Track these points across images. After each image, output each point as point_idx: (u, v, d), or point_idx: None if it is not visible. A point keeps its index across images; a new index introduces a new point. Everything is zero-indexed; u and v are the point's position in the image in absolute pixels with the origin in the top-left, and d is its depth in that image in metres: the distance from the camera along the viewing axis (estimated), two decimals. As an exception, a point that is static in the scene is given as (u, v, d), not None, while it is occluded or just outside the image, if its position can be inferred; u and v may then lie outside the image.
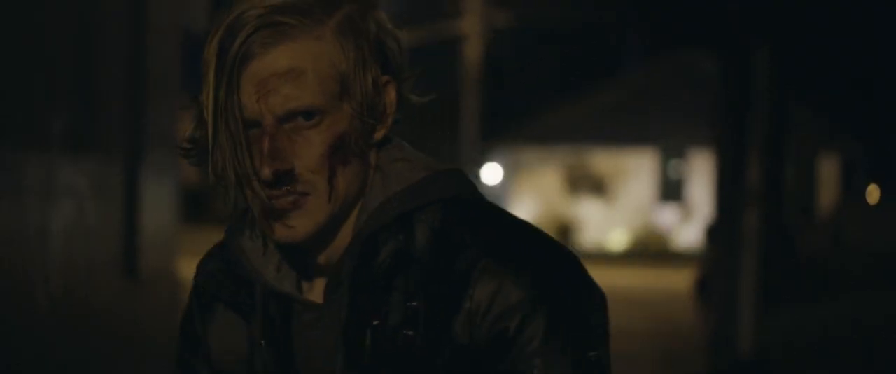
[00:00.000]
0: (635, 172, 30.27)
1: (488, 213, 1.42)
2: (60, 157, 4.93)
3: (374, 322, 1.36)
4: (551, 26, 34.57)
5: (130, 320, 6.45)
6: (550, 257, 1.40)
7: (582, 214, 29.54)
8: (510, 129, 31.35)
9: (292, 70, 1.33)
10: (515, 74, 35.80)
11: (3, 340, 4.27)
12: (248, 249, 1.42)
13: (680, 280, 18.53)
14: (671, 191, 30.36)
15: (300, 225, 1.35)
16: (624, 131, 30.01)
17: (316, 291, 1.42)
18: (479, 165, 30.08)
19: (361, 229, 1.38)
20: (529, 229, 1.42)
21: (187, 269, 7.67)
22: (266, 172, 1.32)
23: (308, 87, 1.33)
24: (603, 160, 30.35)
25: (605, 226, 28.46)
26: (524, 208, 27.72)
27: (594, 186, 30.32)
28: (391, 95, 1.39)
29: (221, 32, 1.33)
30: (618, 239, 28.76)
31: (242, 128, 1.33)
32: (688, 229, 28.31)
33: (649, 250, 27.71)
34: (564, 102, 32.05)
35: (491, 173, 32.20)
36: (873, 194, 32.75)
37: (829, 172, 30.59)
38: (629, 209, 29.60)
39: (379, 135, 1.40)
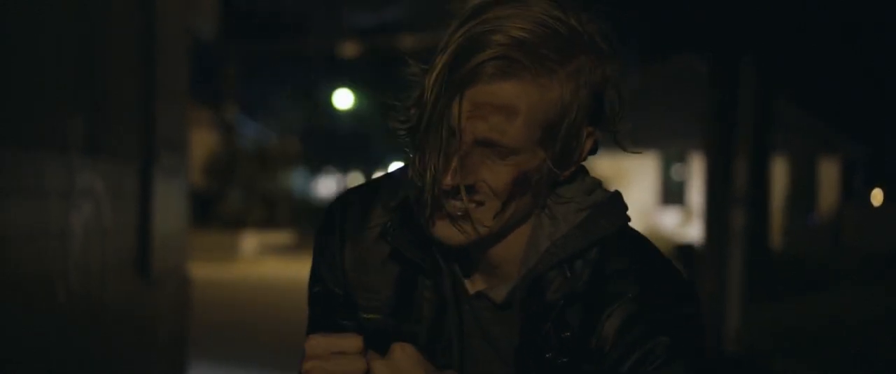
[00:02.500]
0: (637, 175, 30.32)
1: (635, 245, 1.53)
2: (79, 160, 5.02)
3: (546, 355, 1.48)
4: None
5: (142, 317, 6.54)
6: (681, 298, 1.50)
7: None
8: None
9: (507, 107, 1.40)
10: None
11: (24, 332, 4.36)
12: None
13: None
14: (673, 194, 30.43)
15: (455, 234, 1.46)
16: (625, 135, 30.07)
17: (469, 283, 1.55)
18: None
19: (532, 269, 1.48)
20: (670, 266, 1.53)
21: (196, 270, 7.82)
22: (448, 180, 1.42)
23: (514, 127, 1.40)
24: (605, 164, 30.39)
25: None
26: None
27: (596, 189, 30.39)
28: (589, 145, 1.49)
29: (464, 41, 1.41)
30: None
31: (449, 135, 1.42)
32: (689, 230, 28.38)
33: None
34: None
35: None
36: (877, 196, 32.76)
37: (828, 174, 30.61)
38: (631, 212, 29.67)
39: (563, 178, 1.49)
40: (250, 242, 27.48)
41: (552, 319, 1.49)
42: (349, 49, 30.03)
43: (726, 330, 9.99)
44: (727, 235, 9.96)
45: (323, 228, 1.64)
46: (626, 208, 1.57)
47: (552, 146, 1.44)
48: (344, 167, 43.07)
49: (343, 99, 31.92)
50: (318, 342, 1.42)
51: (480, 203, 1.45)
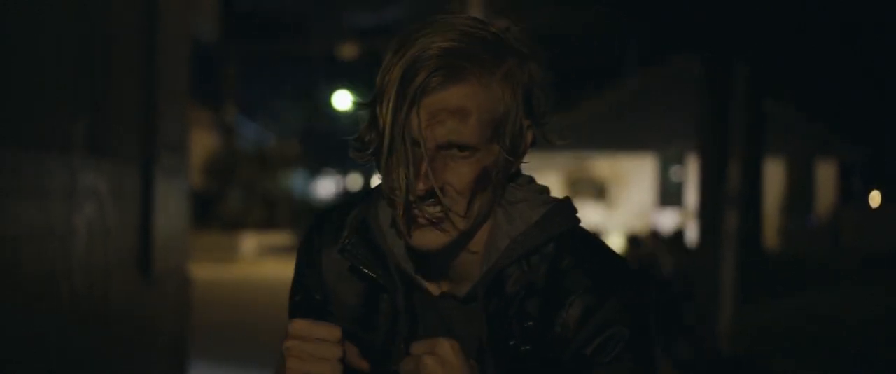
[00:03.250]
0: (635, 177, 30.37)
1: (588, 243, 1.68)
2: (82, 160, 5.06)
3: (510, 342, 1.62)
4: (550, 33, 34.60)
5: (144, 316, 6.59)
6: (635, 290, 1.65)
7: (583, 218, 29.60)
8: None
9: (461, 109, 1.56)
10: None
11: (27, 331, 4.39)
12: (385, 229, 1.68)
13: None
14: (671, 195, 30.47)
15: (436, 237, 1.59)
16: (623, 137, 30.11)
17: (434, 287, 1.69)
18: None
19: (493, 266, 1.63)
20: (618, 258, 1.68)
21: (196, 270, 7.85)
22: (420, 186, 1.56)
23: (469, 126, 1.56)
24: (603, 165, 30.45)
25: (606, 230, 28.61)
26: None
27: (595, 191, 30.38)
28: (529, 138, 1.65)
29: (405, 64, 1.56)
30: (617, 242, 28.85)
31: (413, 146, 1.57)
32: (687, 232, 28.39)
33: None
34: (564, 110, 32.07)
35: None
36: (875, 198, 32.82)
37: (826, 176, 30.66)
38: (630, 214, 29.73)
39: (514, 169, 1.67)
40: (250, 242, 27.52)
41: (514, 309, 1.62)
42: (349, 50, 30.09)
43: (720, 330, 10.06)
44: (721, 235, 10.04)
45: (306, 237, 1.79)
46: (576, 210, 1.72)
47: (503, 141, 1.61)
48: (343, 169, 43.12)
49: (343, 100, 31.98)
50: (302, 326, 1.57)
51: (449, 207, 1.59)
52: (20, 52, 4.29)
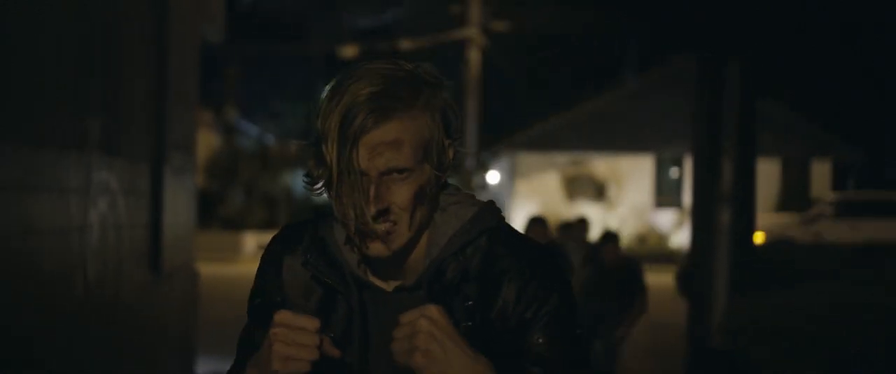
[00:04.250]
0: (633, 177, 30.44)
1: (513, 234, 2.01)
2: (97, 159, 5.18)
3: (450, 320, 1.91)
4: (550, 33, 34.65)
5: (154, 310, 6.72)
6: (556, 267, 1.99)
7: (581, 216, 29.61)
8: (510, 135, 31.42)
9: (395, 140, 1.87)
10: (515, 82, 35.87)
11: (43, 324, 4.51)
12: (340, 244, 1.99)
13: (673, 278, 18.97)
14: (668, 195, 30.55)
15: (387, 246, 1.90)
16: (621, 138, 30.19)
17: (387, 285, 2.00)
18: (483, 169, 30.20)
19: (434, 259, 1.95)
20: (539, 245, 2.02)
21: (201, 267, 7.92)
22: (372, 209, 1.87)
23: (404, 153, 1.87)
24: (601, 166, 30.52)
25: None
26: (525, 211, 27.83)
27: (594, 190, 30.46)
28: (451, 153, 1.96)
29: (342, 110, 1.86)
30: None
31: (359, 177, 1.87)
32: (684, 231, 28.50)
33: (647, 249, 27.83)
34: (563, 110, 32.11)
35: (491, 178, 32.36)
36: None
37: (820, 175, 30.75)
38: (627, 212, 29.80)
39: (443, 180, 1.97)
40: (251, 242, 27.62)
41: (453, 293, 1.94)
42: (349, 51, 30.22)
43: (713, 324, 10.21)
44: (713, 233, 10.20)
45: (269, 247, 2.08)
46: (501, 210, 2.06)
47: (431, 160, 1.93)
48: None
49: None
50: (286, 316, 1.84)
51: (395, 222, 1.89)
52: (31, 56, 4.40)
